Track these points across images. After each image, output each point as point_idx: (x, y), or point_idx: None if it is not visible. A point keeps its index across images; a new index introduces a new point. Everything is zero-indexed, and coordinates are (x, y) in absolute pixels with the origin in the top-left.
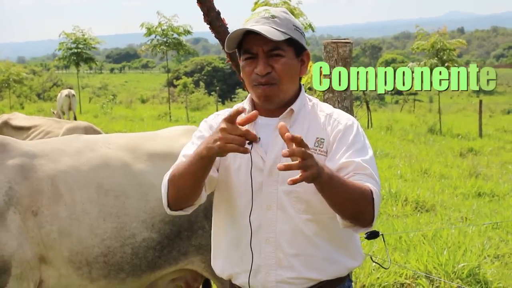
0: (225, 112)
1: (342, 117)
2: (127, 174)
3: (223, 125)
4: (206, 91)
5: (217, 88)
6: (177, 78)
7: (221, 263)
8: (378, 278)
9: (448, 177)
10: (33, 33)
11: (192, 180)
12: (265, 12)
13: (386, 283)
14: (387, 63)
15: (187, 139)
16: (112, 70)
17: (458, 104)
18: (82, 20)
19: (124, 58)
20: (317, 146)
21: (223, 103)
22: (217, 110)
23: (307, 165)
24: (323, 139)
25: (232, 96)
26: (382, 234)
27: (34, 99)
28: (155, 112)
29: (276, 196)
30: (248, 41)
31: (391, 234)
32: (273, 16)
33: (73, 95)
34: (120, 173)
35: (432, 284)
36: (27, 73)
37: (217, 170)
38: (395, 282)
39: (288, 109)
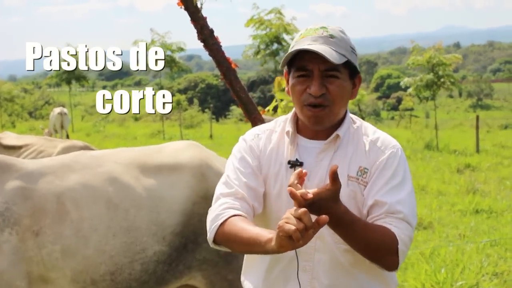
0: (265, 130)
1: (386, 145)
2: (136, 188)
3: (306, 224)
4: (200, 108)
5: (211, 105)
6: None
7: (254, 283)
8: None
9: (445, 193)
10: (24, 51)
11: (250, 252)
12: (323, 31)
13: None
14: (382, 79)
15: (193, 151)
16: (104, 87)
17: (454, 119)
18: (74, 38)
19: (116, 75)
20: (359, 176)
21: (217, 120)
22: (211, 128)
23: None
24: (367, 169)
25: (226, 113)
26: None
27: (25, 118)
28: (149, 130)
29: None
30: (303, 57)
31: None
32: (331, 36)
33: (65, 113)
34: (130, 187)
35: None
36: (18, 91)
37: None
38: None
39: (334, 134)
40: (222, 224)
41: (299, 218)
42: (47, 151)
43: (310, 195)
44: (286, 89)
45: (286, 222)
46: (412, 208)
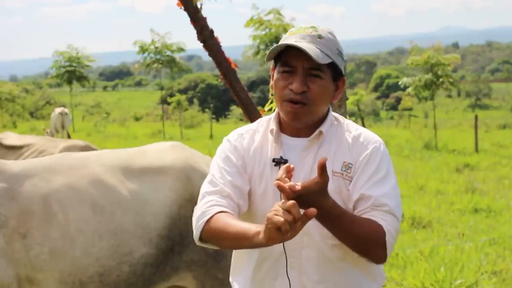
0: (248, 130)
1: (369, 140)
2: (121, 190)
3: (295, 216)
4: (200, 108)
5: (211, 105)
6: (171, 95)
7: (241, 283)
8: None
9: (444, 193)
10: (25, 51)
11: (237, 247)
12: (312, 30)
13: None
14: (381, 78)
15: (176, 154)
16: (105, 88)
17: (453, 119)
18: (74, 38)
19: (117, 75)
20: (344, 171)
21: (217, 120)
22: (211, 128)
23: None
24: (351, 164)
25: (226, 113)
26: None
27: (27, 118)
28: (149, 130)
29: None
30: (289, 53)
31: None
32: (319, 36)
33: (66, 113)
34: (115, 190)
35: None
36: (19, 91)
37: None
38: None
39: (317, 131)
40: (208, 220)
41: (287, 210)
42: (48, 151)
43: (298, 187)
44: (271, 83)
45: (275, 214)
46: (397, 200)
